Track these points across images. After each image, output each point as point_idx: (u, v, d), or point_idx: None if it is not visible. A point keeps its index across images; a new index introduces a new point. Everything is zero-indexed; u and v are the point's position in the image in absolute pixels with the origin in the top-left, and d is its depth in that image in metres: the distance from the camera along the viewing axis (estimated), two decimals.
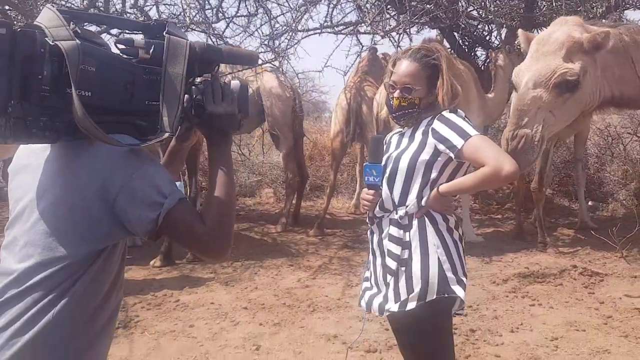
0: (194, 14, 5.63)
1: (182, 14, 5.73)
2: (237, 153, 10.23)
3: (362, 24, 5.97)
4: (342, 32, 7.02)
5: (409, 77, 2.25)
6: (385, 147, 2.35)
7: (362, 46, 7.23)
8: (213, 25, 6.04)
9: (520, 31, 3.27)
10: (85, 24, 1.49)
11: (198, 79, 1.48)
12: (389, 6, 6.33)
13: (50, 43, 1.21)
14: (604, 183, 8.08)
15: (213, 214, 1.38)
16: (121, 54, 1.37)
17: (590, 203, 7.73)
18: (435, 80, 2.26)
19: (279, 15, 6.39)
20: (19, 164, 1.47)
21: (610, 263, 5.41)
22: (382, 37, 5.55)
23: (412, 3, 5.96)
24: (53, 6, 1.29)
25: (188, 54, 1.37)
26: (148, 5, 5.96)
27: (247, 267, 5.56)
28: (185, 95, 1.41)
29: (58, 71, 1.22)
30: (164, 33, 1.37)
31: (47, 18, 1.26)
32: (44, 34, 1.22)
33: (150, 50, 1.37)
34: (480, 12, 6.43)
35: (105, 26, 1.40)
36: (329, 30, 6.33)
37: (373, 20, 5.45)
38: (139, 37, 1.39)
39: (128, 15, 6.09)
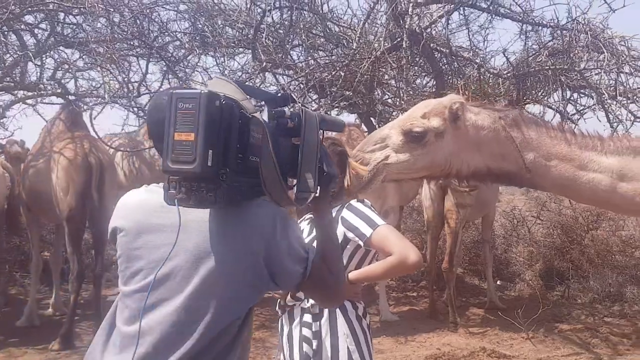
0: (116, 87, 5.60)
1: (102, 87, 5.69)
2: None
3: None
4: None
5: None
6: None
7: None
8: (135, 99, 6.03)
9: None
10: None
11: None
12: (310, 90, 6.59)
13: (249, 115, 1.33)
14: (511, 263, 8.48)
15: (334, 264, 1.54)
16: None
17: (498, 282, 8.06)
18: (343, 168, 2.37)
19: None
20: (144, 222, 1.46)
21: (517, 344, 5.59)
22: None
23: (333, 89, 6.25)
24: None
25: (318, 124, 1.52)
26: (66, 79, 5.90)
27: None
28: None
29: (247, 140, 1.34)
30: (300, 106, 1.52)
31: (231, 90, 1.38)
32: (240, 107, 1.35)
33: (295, 121, 1.49)
34: (395, 100, 6.83)
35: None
36: None
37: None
38: (287, 109, 1.50)
39: (45, 86, 5.99)
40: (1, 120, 6.09)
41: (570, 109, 6.48)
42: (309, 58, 6.75)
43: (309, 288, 1.55)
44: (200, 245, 1.40)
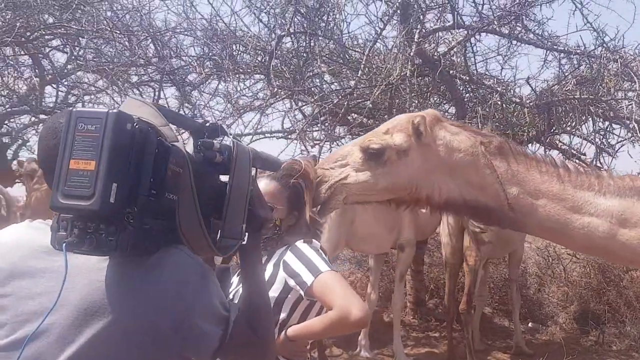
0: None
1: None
2: None
3: (293, 133, 6.01)
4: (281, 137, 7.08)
5: (267, 196, 2.09)
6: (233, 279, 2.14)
7: (308, 152, 7.27)
8: None
9: None
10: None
11: None
12: (334, 118, 6.40)
13: (168, 144, 1.11)
14: (544, 304, 7.93)
15: (262, 323, 1.32)
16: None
17: (530, 324, 7.53)
18: (297, 202, 2.12)
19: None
20: (20, 265, 1.19)
21: None
22: (312, 146, 5.58)
23: (349, 117, 6.04)
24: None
25: (251, 161, 1.34)
26: (78, 102, 5.92)
27: None
28: None
29: (164, 174, 1.11)
30: (232, 139, 1.32)
31: (149, 113, 1.15)
32: (158, 133, 1.12)
33: (225, 155, 1.28)
34: None
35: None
36: (262, 136, 6.35)
37: (302, 130, 5.48)
38: (216, 141, 1.31)
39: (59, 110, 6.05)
40: (28, 144, 6.20)
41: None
42: (333, 84, 6.58)
43: (229, 354, 1.29)
44: (89, 299, 1.13)
